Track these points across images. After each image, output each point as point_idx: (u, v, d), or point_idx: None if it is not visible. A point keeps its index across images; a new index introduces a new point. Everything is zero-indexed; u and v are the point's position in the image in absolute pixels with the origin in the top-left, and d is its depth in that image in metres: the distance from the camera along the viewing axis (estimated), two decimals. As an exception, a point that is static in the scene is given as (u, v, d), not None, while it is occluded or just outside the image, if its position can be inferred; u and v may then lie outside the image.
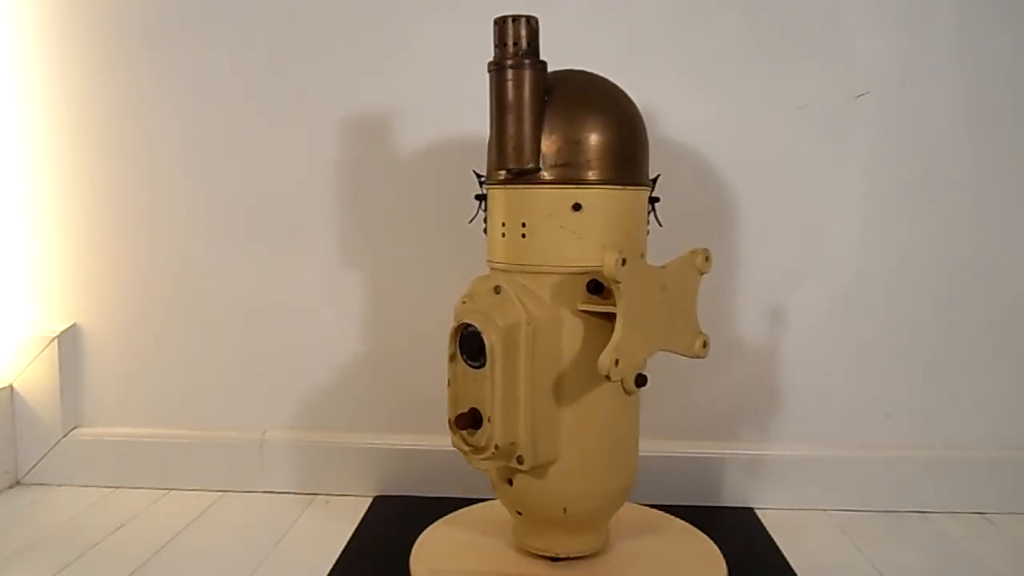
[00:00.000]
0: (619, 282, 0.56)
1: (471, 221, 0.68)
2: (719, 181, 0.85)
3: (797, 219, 0.86)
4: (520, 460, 0.61)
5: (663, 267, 0.61)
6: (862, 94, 0.84)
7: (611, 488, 0.66)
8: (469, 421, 0.61)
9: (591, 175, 0.60)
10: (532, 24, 0.59)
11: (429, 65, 0.85)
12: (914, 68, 0.84)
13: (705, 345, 0.64)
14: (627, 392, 0.64)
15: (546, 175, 0.61)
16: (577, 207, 0.60)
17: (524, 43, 0.59)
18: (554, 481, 0.63)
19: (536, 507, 0.65)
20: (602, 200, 0.61)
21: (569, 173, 0.60)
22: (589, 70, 0.65)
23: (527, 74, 0.59)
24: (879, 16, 0.83)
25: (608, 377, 0.57)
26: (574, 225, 0.61)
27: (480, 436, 0.61)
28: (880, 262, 0.86)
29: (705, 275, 0.64)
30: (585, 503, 0.65)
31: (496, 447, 0.60)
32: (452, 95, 0.84)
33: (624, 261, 0.56)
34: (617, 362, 0.57)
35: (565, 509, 0.64)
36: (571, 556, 0.67)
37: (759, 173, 0.85)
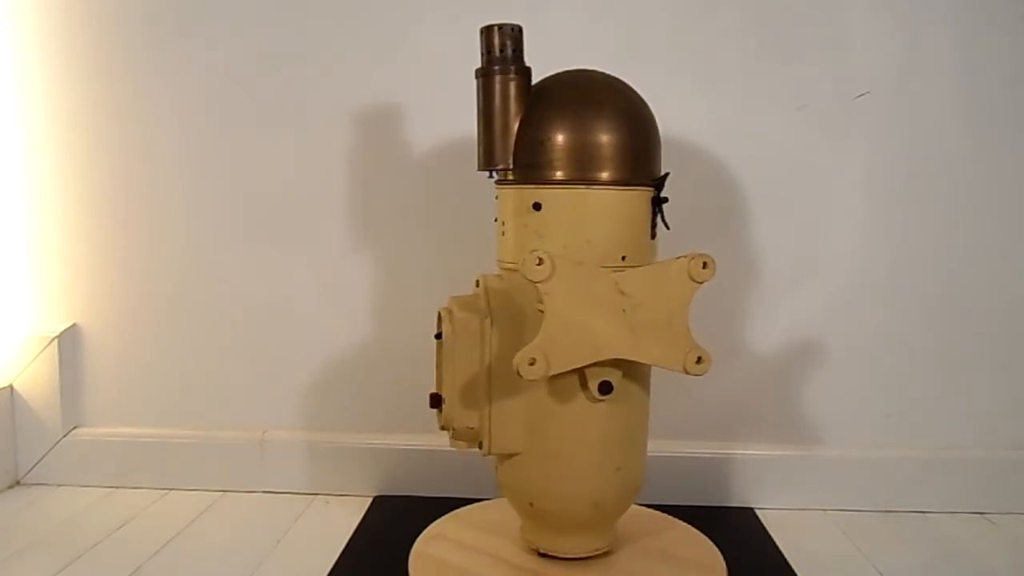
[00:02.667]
0: (536, 282, 0.56)
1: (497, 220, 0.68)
2: (718, 181, 0.85)
3: (797, 219, 0.86)
4: (481, 445, 0.64)
5: (621, 271, 0.59)
6: (862, 94, 0.84)
7: (577, 494, 0.64)
8: (439, 401, 0.65)
9: (550, 175, 0.60)
10: (514, 32, 0.61)
11: (431, 64, 0.85)
12: (914, 68, 0.84)
13: (700, 361, 0.60)
14: (591, 399, 0.61)
15: (513, 175, 0.62)
16: (537, 207, 0.61)
17: (509, 50, 0.61)
18: (518, 474, 0.65)
19: (510, 496, 0.67)
20: (562, 200, 0.60)
21: (531, 173, 0.61)
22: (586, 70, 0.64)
23: (508, 80, 0.61)
24: (879, 16, 0.83)
25: (519, 374, 0.57)
26: (536, 225, 0.61)
27: (443, 416, 0.65)
28: (880, 262, 0.86)
29: (704, 284, 0.59)
30: (548, 502, 0.64)
31: (453, 429, 0.63)
32: (453, 94, 0.84)
33: (540, 260, 0.56)
34: (533, 362, 0.57)
35: (531, 504, 0.65)
36: (550, 554, 0.67)
37: (759, 173, 0.85)
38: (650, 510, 0.79)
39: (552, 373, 0.58)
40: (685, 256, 0.59)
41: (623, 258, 0.61)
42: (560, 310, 0.58)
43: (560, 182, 0.60)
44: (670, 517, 0.78)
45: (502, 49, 0.61)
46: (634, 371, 0.63)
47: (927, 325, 0.87)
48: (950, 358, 0.87)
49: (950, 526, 0.83)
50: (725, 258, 0.85)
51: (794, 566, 0.72)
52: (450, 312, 0.62)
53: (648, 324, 0.59)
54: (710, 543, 0.72)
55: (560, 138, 0.60)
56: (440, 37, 0.84)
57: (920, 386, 0.87)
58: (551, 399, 0.62)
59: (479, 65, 0.62)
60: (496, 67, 0.61)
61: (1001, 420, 0.87)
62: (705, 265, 0.59)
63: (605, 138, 0.60)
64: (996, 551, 0.78)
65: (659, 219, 0.63)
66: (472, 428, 0.63)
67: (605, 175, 0.60)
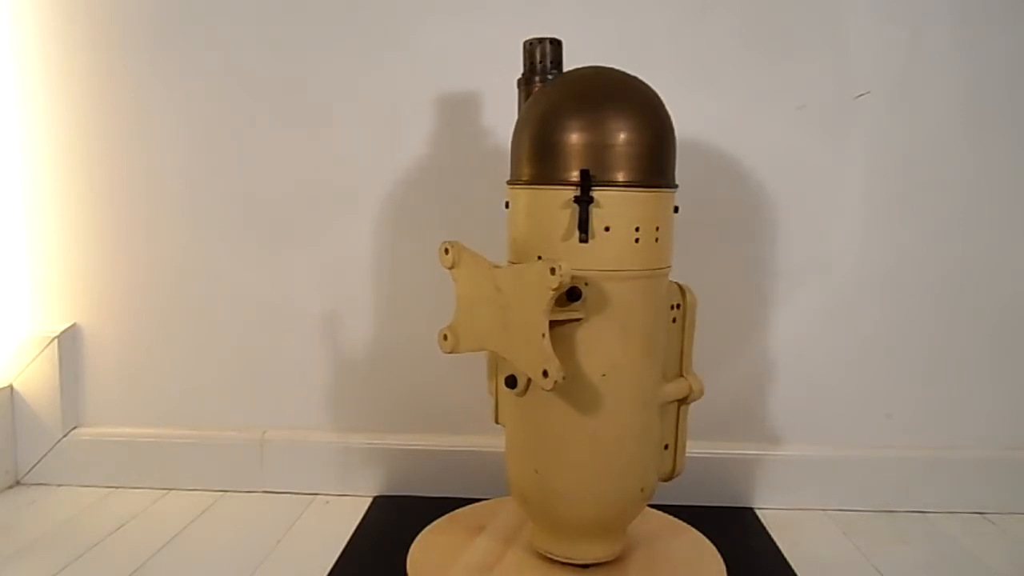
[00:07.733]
0: (446, 268, 0.62)
1: None
2: (718, 181, 0.85)
3: (797, 219, 0.86)
4: None
5: (498, 267, 0.60)
6: (862, 94, 0.84)
7: (512, 482, 0.66)
8: None
9: (513, 175, 0.64)
10: (553, 46, 0.65)
11: (431, 63, 0.85)
12: (914, 68, 0.84)
13: (545, 375, 0.55)
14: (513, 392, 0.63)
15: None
16: (507, 206, 0.64)
17: (548, 62, 0.64)
18: (506, 448, 0.68)
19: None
20: (517, 199, 0.63)
21: (511, 174, 0.65)
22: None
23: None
24: (879, 16, 0.83)
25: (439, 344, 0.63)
26: (508, 223, 0.65)
27: None
28: (880, 262, 0.86)
29: (556, 291, 0.55)
30: (514, 486, 0.66)
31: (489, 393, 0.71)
32: (453, 94, 0.84)
33: (446, 250, 0.62)
34: (446, 337, 0.64)
35: (509, 482, 0.67)
36: (548, 555, 0.67)
37: (758, 173, 0.85)
38: (651, 510, 0.79)
39: (460, 351, 0.63)
40: (544, 259, 0.57)
41: (539, 259, 0.59)
42: (463, 296, 0.63)
43: (515, 182, 0.63)
44: (670, 517, 0.78)
45: (541, 61, 0.65)
46: (576, 376, 0.60)
47: (927, 325, 0.87)
48: (950, 358, 0.87)
49: (950, 526, 0.83)
50: (725, 258, 0.86)
51: (794, 566, 0.72)
52: None
53: (517, 324, 0.58)
54: (709, 543, 0.72)
55: (520, 138, 0.63)
56: (442, 37, 0.84)
57: (920, 386, 0.87)
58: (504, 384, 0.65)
59: (519, 75, 0.66)
60: (536, 77, 0.65)
61: (1001, 420, 0.87)
62: (552, 271, 0.54)
63: (525, 137, 0.62)
64: (996, 551, 0.78)
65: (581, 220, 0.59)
66: (493, 396, 0.69)
67: (524, 174, 0.62)
